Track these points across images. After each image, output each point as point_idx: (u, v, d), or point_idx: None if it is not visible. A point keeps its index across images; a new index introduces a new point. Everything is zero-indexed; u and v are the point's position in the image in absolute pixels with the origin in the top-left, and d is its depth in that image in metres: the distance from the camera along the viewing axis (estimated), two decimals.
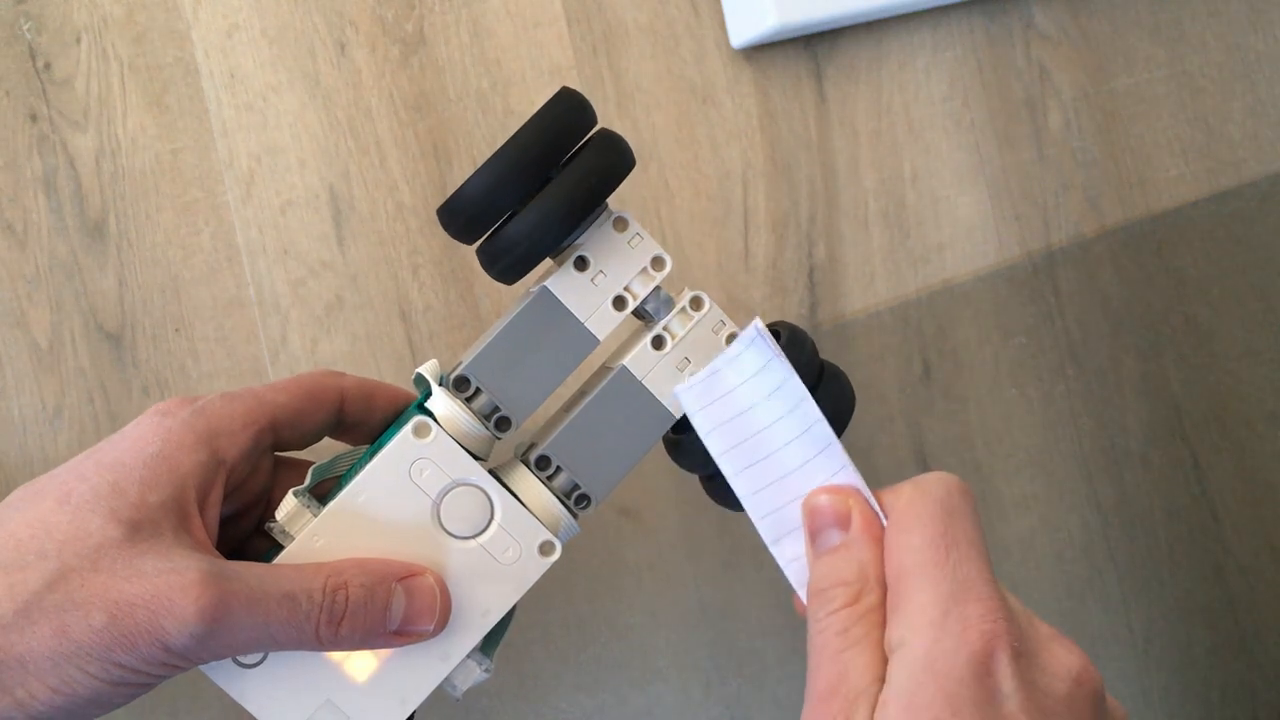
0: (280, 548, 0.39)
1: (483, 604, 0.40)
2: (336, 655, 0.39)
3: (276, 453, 0.42)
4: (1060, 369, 0.63)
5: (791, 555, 0.39)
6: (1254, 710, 0.65)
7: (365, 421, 0.42)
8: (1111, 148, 0.64)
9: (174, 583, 0.34)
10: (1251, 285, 0.66)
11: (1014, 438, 0.63)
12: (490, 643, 0.41)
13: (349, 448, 0.43)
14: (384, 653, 0.39)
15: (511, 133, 0.38)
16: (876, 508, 0.37)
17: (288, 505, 0.39)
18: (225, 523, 0.40)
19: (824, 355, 0.61)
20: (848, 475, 0.38)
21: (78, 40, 0.55)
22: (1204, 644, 0.64)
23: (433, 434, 0.39)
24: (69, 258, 0.55)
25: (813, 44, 0.61)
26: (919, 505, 0.36)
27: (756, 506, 0.39)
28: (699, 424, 0.39)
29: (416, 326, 0.57)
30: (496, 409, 0.40)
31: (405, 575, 0.39)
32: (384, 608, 0.38)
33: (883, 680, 0.33)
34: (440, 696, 0.41)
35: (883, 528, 0.37)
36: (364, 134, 0.57)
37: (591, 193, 0.38)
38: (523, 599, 0.41)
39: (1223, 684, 0.64)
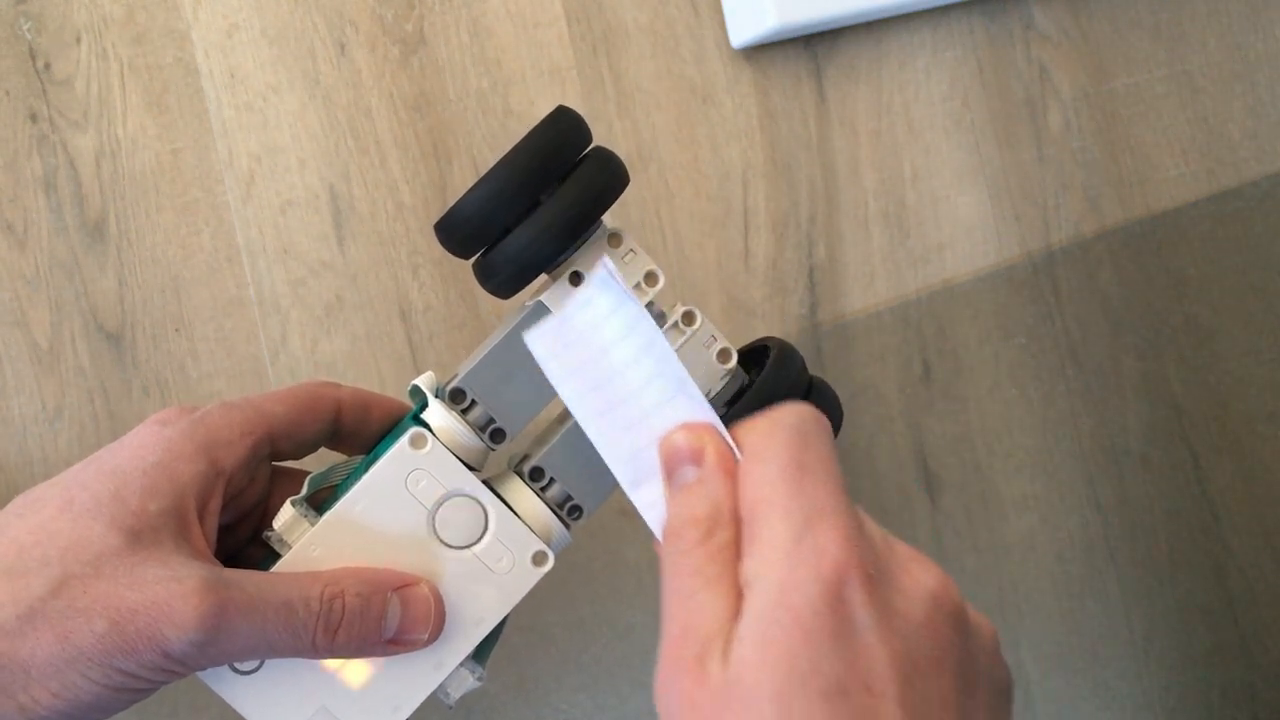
0: (277, 556, 0.39)
1: (476, 613, 0.40)
2: (332, 663, 0.39)
3: (273, 462, 0.42)
4: (1060, 369, 0.63)
5: (650, 499, 0.37)
6: (1254, 710, 0.65)
7: (361, 432, 0.43)
8: (1111, 148, 0.64)
9: (174, 590, 0.34)
10: (1251, 285, 0.66)
11: (1014, 438, 0.63)
12: (483, 651, 0.41)
13: (345, 457, 0.43)
14: (378, 660, 0.39)
15: (511, 134, 0.39)
16: (732, 443, 0.36)
17: (285, 514, 0.39)
18: (223, 531, 0.40)
19: (824, 355, 0.62)
20: (703, 413, 0.37)
21: (78, 40, 0.55)
22: (1204, 644, 0.64)
23: (429, 445, 0.40)
24: (69, 258, 0.55)
25: (813, 44, 0.61)
26: (772, 435, 0.35)
27: (613, 453, 0.37)
28: (550, 371, 0.37)
29: (416, 326, 0.57)
30: (491, 421, 0.41)
31: (400, 585, 0.39)
32: (379, 617, 0.38)
33: (735, 618, 0.32)
34: (434, 703, 0.41)
35: (736, 462, 0.35)
36: (364, 134, 0.57)
37: (586, 211, 0.39)
38: (518, 604, 0.41)
39: (1223, 684, 0.64)
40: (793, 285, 0.61)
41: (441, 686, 0.41)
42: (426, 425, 0.40)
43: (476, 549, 0.40)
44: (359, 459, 0.42)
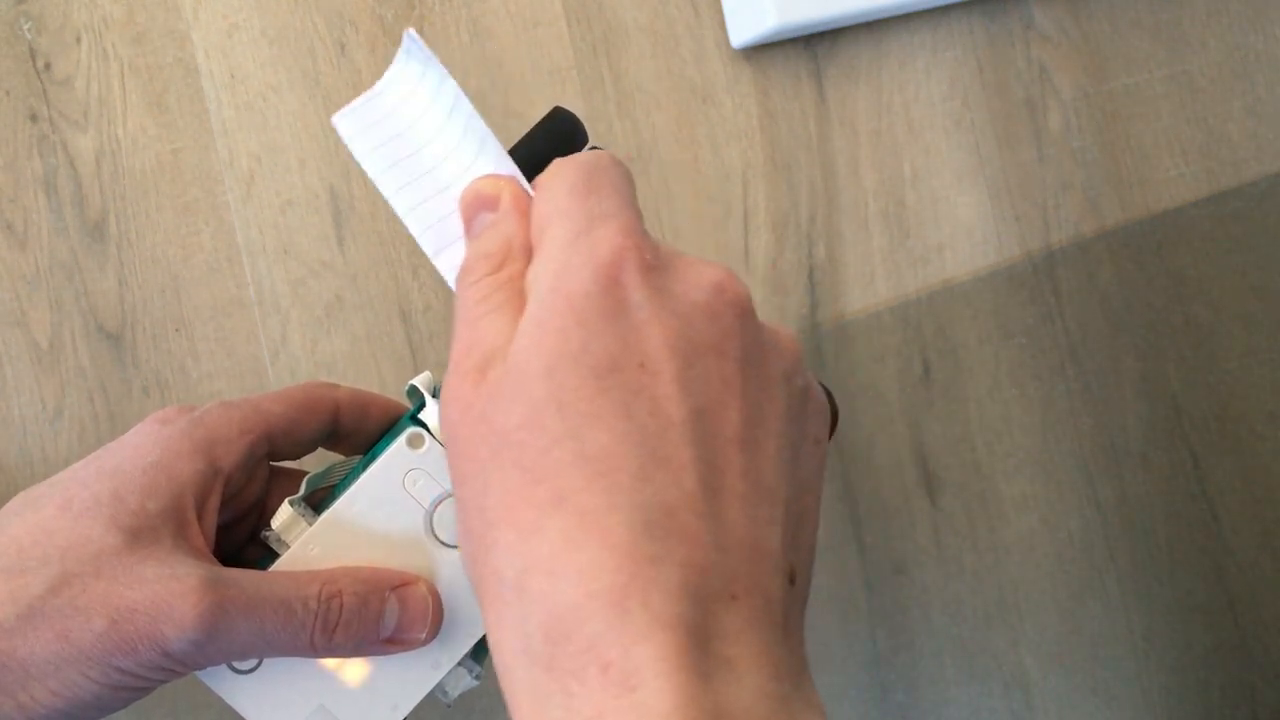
0: (275, 555, 0.39)
1: (474, 612, 0.40)
2: (330, 661, 0.39)
3: (271, 462, 0.42)
4: (1060, 369, 0.63)
5: (452, 263, 0.37)
6: (1254, 710, 0.65)
7: (359, 432, 0.43)
8: (1111, 148, 0.64)
9: (174, 589, 0.34)
10: (1251, 285, 0.66)
11: (1014, 438, 0.63)
12: (481, 650, 0.41)
13: (343, 458, 0.43)
14: (377, 659, 0.39)
15: (511, 134, 0.38)
16: (528, 188, 0.35)
17: (283, 514, 0.39)
18: (221, 530, 0.40)
19: (824, 355, 0.62)
20: (505, 167, 0.36)
21: (78, 40, 0.55)
22: (1204, 644, 0.64)
23: (426, 444, 0.40)
24: (69, 258, 0.55)
25: (813, 44, 0.61)
26: (561, 166, 0.34)
27: (418, 221, 0.37)
28: (356, 150, 0.37)
29: (416, 326, 0.57)
30: None
31: (398, 584, 0.39)
32: (377, 616, 0.38)
33: None
34: (432, 702, 0.41)
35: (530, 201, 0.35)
36: None
37: None
38: None
39: (1223, 684, 0.64)
40: (793, 285, 0.61)
41: (440, 685, 0.41)
42: (424, 425, 0.40)
43: None
44: (357, 459, 0.42)
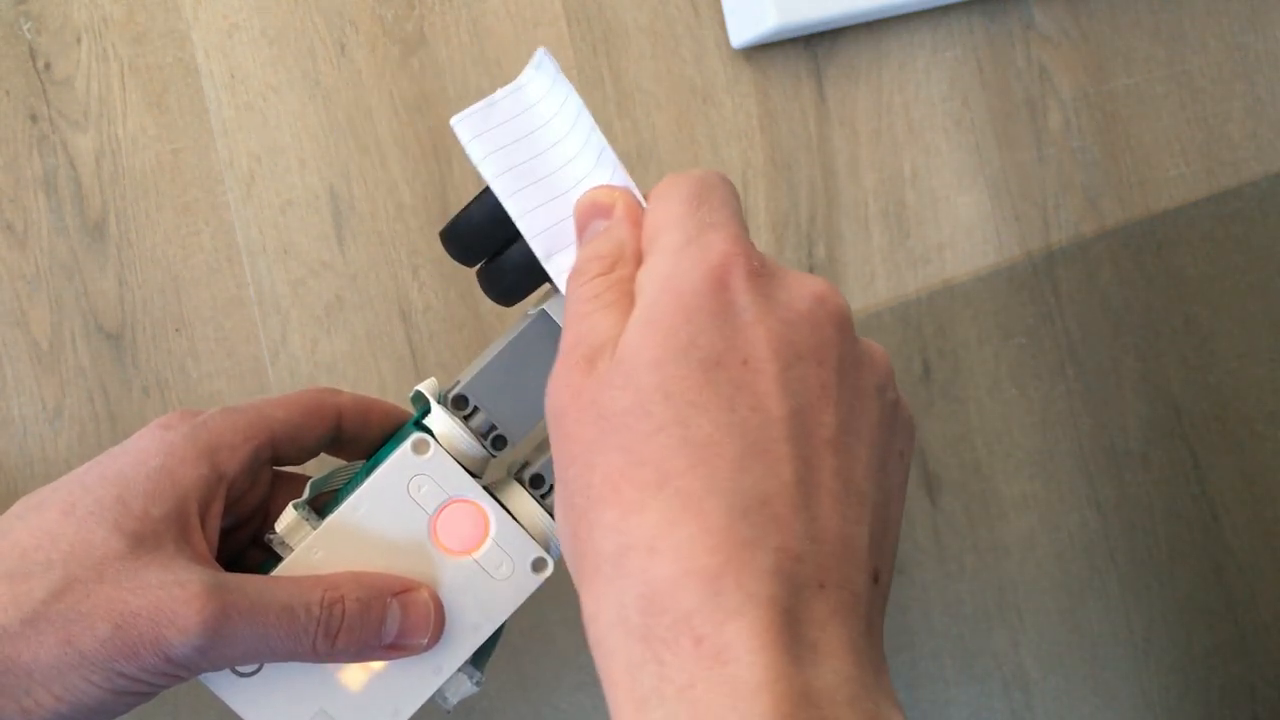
0: (278, 559, 0.39)
1: (475, 618, 0.40)
2: (331, 666, 0.39)
3: (275, 467, 0.42)
4: (1060, 369, 0.63)
5: (564, 266, 0.38)
6: (1254, 710, 0.65)
7: (362, 437, 0.43)
8: (1111, 148, 0.64)
9: (177, 595, 0.34)
10: (1251, 285, 0.66)
11: (1014, 438, 0.63)
12: (482, 656, 0.42)
13: (344, 462, 0.43)
14: (378, 664, 0.40)
15: None
16: (641, 199, 0.37)
17: (287, 518, 0.39)
18: (224, 535, 0.40)
19: None
20: (620, 179, 0.38)
21: (78, 40, 0.55)
22: (1204, 644, 0.64)
23: (431, 451, 0.40)
24: (69, 258, 0.55)
25: (813, 44, 0.61)
26: (675, 180, 0.36)
27: (532, 224, 0.38)
28: (474, 151, 0.39)
29: (416, 326, 0.57)
30: (493, 428, 0.41)
31: (400, 590, 0.39)
32: (379, 622, 0.38)
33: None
34: (432, 707, 0.41)
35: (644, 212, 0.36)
36: (364, 134, 0.57)
37: None
38: (518, 609, 0.41)
39: (1223, 684, 0.64)
40: None
41: (440, 691, 0.41)
42: (429, 431, 0.40)
43: (476, 555, 0.40)
44: (360, 464, 0.42)
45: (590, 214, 0.37)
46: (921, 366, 0.62)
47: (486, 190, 0.38)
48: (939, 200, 0.62)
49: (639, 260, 0.35)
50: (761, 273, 0.33)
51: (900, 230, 0.62)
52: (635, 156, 0.59)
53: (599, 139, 0.38)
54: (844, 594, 0.30)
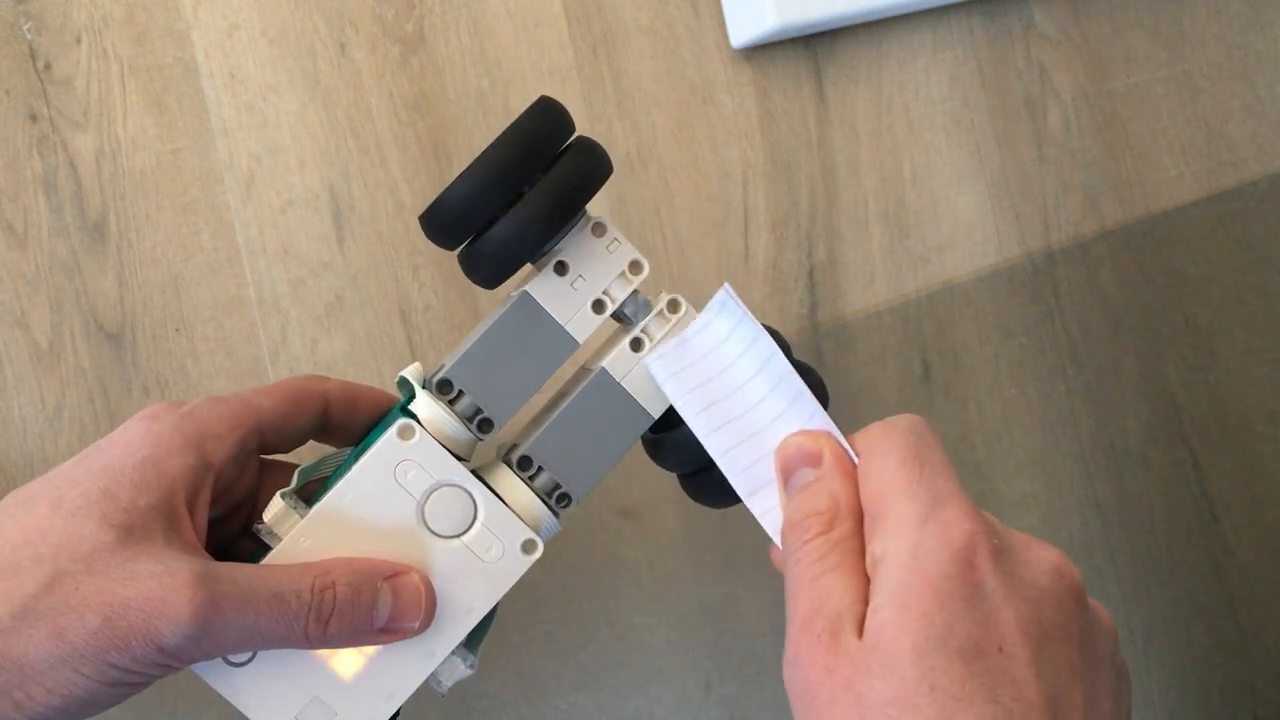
0: (267, 549, 0.39)
1: (467, 601, 0.40)
2: (324, 653, 0.39)
3: (262, 455, 0.42)
4: (1060, 369, 0.63)
5: (766, 506, 0.39)
6: (1254, 710, 0.65)
7: (349, 424, 0.43)
8: (1111, 148, 0.64)
9: (167, 585, 0.34)
10: (1251, 285, 0.66)
11: (1014, 438, 0.63)
12: (475, 639, 0.42)
13: (333, 450, 0.43)
14: (370, 650, 0.40)
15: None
16: (847, 446, 0.38)
17: (275, 507, 0.39)
18: (212, 525, 0.40)
19: (824, 355, 0.62)
20: (819, 422, 0.39)
21: (78, 40, 0.55)
22: (1204, 644, 0.64)
23: (417, 436, 0.40)
24: (69, 258, 0.55)
25: (813, 44, 0.61)
26: (888, 434, 0.37)
27: (732, 463, 0.39)
28: (671, 391, 0.40)
29: (416, 326, 0.57)
30: (479, 411, 0.41)
31: (391, 574, 0.39)
32: (370, 606, 0.38)
33: (864, 601, 0.34)
34: (427, 692, 0.41)
35: (853, 464, 0.37)
36: (364, 134, 0.57)
37: (570, 199, 0.39)
38: (521, 598, 0.41)
39: (1223, 684, 0.64)
40: (793, 285, 0.61)
41: (434, 675, 0.41)
42: (414, 416, 0.40)
43: (466, 538, 0.40)
44: (348, 451, 0.42)
45: (797, 461, 0.38)
46: (921, 366, 0.62)
47: (465, 172, 0.38)
48: (939, 200, 0.62)
49: (855, 516, 0.36)
50: (1004, 549, 0.34)
51: (900, 230, 0.62)
52: (635, 156, 0.59)
53: (795, 382, 0.39)
54: None
